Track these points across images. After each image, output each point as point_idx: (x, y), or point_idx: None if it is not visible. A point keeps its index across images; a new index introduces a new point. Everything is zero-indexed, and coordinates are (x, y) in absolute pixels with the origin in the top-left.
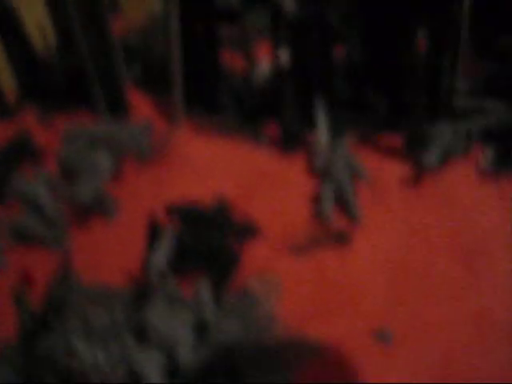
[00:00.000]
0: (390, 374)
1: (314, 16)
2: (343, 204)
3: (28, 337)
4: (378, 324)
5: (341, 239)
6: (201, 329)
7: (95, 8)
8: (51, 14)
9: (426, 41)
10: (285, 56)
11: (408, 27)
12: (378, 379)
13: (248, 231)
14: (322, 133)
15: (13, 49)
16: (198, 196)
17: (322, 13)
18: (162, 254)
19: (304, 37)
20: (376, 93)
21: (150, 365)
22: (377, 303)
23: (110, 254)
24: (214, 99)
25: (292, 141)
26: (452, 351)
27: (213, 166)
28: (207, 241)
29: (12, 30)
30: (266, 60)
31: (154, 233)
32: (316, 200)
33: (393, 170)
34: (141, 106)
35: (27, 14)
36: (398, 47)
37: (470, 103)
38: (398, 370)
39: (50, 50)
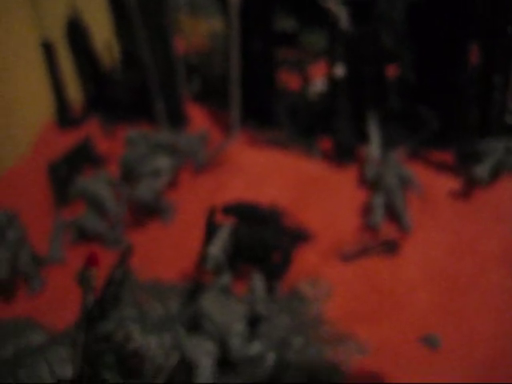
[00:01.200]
0: (435, 378)
1: (368, 34)
2: (393, 214)
3: (90, 318)
4: (425, 329)
5: (390, 248)
6: (253, 321)
7: (160, 30)
8: (118, 35)
9: (479, 59)
10: (340, 71)
11: (460, 46)
12: (424, 381)
13: (300, 236)
14: (374, 146)
15: (82, 65)
16: (251, 201)
17: (376, 31)
18: (219, 248)
19: (359, 54)
20: (428, 109)
21: (202, 352)
22: (424, 310)
23: (166, 252)
24: (270, 114)
25: (344, 153)
26: (497, 360)
27: (266, 174)
28: (261, 240)
29: (82, 47)
30: (319, 79)
31: (212, 228)
32: (366, 210)
33: (443, 184)
34: (199, 118)
35: (96, 34)
36: (451, 66)
37: None
38: (443, 375)
39: (115, 66)
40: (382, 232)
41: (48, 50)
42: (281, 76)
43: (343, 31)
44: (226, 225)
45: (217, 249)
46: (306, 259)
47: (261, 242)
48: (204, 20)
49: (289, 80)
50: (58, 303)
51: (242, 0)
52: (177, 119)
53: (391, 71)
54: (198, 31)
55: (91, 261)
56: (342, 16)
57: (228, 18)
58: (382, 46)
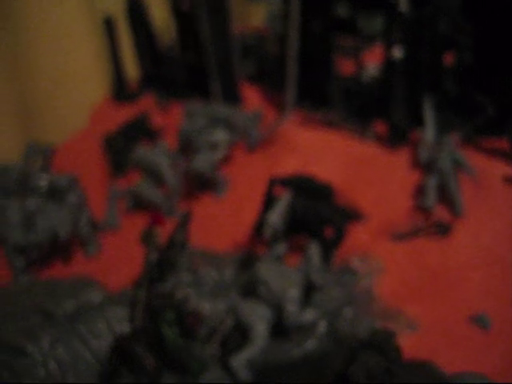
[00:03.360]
0: (484, 358)
1: (427, 17)
2: (446, 197)
3: (151, 278)
4: (476, 310)
5: (442, 230)
6: (307, 289)
7: (220, 11)
8: (175, 12)
9: None
10: (398, 53)
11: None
12: (475, 361)
13: (352, 214)
14: (429, 129)
15: (140, 42)
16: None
17: (434, 14)
18: (278, 216)
19: (416, 37)
20: (484, 95)
21: (257, 316)
22: (475, 291)
23: (220, 223)
24: (324, 96)
25: (398, 136)
26: None
27: (320, 153)
28: (317, 214)
29: (141, 25)
30: (373, 64)
31: (270, 197)
32: (419, 192)
33: (497, 170)
34: (253, 98)
35: (155, 12)
36: (508, 51)
37: None
38: (493, 355)
39: (172, 44)
40: (434, 214)
41: (109, 25)
42: (337, 61)
43: (402, 13)
44: (286, 195)
45: (276, 217)
46: (357, 237)
47: (316, 215)
48: (261, 1)
49: (344, 65)
50: (112, 267)
51: None
52: (232, 98)
53: (448, 56)
54: (255, 12)
55: (156, 221)
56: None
57: (288, 3)
58: (440, 29)
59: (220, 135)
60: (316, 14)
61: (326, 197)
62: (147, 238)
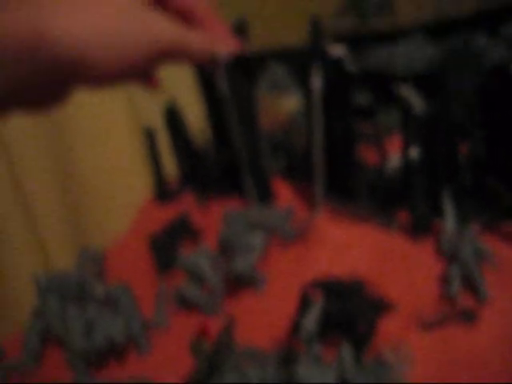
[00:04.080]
0: None
1: (442, 117)
2: (470, 285)
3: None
4: None
5: (468, 317)
6: None
7: (249, 115)
8: (210, 118)
9: None
10: (415, 153)
11: None
12: None
13: (382, 306)
14: (449, 220)
15: (177, 145)
16: (335, 271)
17: (447, 109)
18: (312, 320)
19: (432, 135)
20: (499, 184)
21: None
22: (499, 376)
23: (259, 319)
24: (350, 189)
25: (421, 226)
26: None
27: (348, 246)
28: (347, 312)
29: (177, 130)
30: (396, 154)
31: (305, 302)
32: (444, 281)
33: None
34: (284, 192)
35: (189, 116)
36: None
37: None
38: None
39: (207, 145)
40: (460, 302)
41: (150, 135)
42: (359, 149)
43: (416, 117)
44: (318, 302)
45: (310, 323)
46: (387, 327)
47: (347, 314)
48: (286, 97)
49: (367, 154)
50: (163, 365)
51: (324, 84)
52: (264, 194)
53: (463, 148)
54: (281, 108)
55: (203, 331)
56: (416, 102)
57: (309, 100)
58: (453, 124)
59: (256, 239)
60: (338, 113)
61: (356, 292)
62: (196, 348)
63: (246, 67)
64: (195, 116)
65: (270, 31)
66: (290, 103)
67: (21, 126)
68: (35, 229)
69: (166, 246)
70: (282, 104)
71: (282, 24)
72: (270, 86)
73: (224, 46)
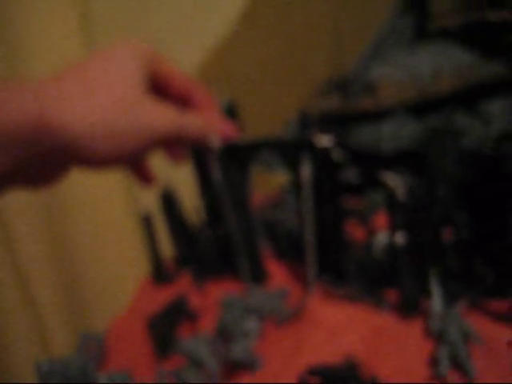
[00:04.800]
0: None
1: (426, 204)
2: (458, 364)
3: None
4: None
5: None
6: None
7: (241, 199)
8: (203, 197)
9: None
10: (401, 239)
11: (509, 209)
12: None
13: None
14: (436, 301)
15: (172, 225)
16: (329, 352)
17: (433, 199)
18: None
19: (416, 220)
20: (483, 265)
21: None
22: None
23: None
24: (340, 270)
25: (410, 307)
26: None
27: (340, 327)
28: None
29: (173, 213)
30: (382, 232)
31: None
32: (433, 360)
33: (501, 334)
34: (278, 273)
35: (183, 197)
36: (502, 226)
37: None
38: None
39: (202, 226)
40: (450, 381)
41: (147, 221)
42: (347, 226)
43: (401, 203)
44: None
45: None
46: None
47: None
48: (275, 173)
49: (354, 231)
50: None
51: (313, 172)
52: (258, 275)
53: (447, 231)
54: (272, 185)
55: None
56: (399, 190)
57: (299, 187)
58: (437, 206)
59: (252, 323)
60: (325, 191)
61: (351, 378)
62: None
63: (238, 155)
64: (190, 196)
65: (260, 114)
66: (280, 179)
67: (20, 210)
68: (36, 313)
69: (164, 329)
70: (272, 179)
71: (271, 104)
72: (260, 164)
73: (219, 130)
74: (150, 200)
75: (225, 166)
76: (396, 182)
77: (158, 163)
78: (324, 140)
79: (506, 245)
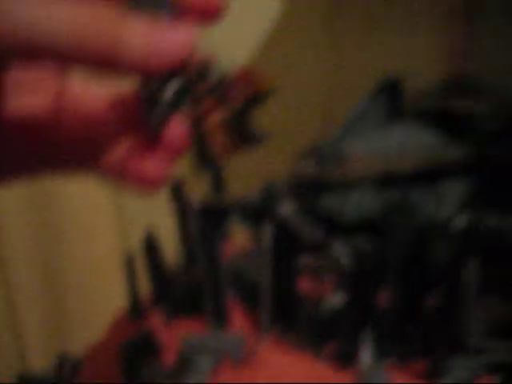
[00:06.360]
0: None
1: (369, 270)
2: None
3: None
4: None
5: None
6: None
7: (211, 246)
8: (182, 244)
9: (442, 295)
10: (338, 299)
11: (430, 282)
12: None
13: None
14: (366, 357)
15: (151, 267)
16: None
17: (378, 267)
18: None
19: (357, 284)
20: (411, 329)
21: None
22: None
23: None
24: (291, 319)
25: (346, 359)
26: None
27: (285, 371)
28: None
29: (152, 252)
30: (334, 292)
31: None
32: None
33: None
34: (238, 319)
35: (166, 242)
36: (423, 297)
37: (481, 341)
38: None
39: (178, 268)
40: None
41: (129, 261)
42: (302, 281)
43: (345, 272)
44: None
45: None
46: None
47: None
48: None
49: (308, 286)
50: None
51: (273, 238)
52: (220, 319)
53: (382, 298)
54: (248, 236)
55: None
56: (344, 258)
57: (260, 249)
58: (376, 279)
59: (207, 362)
60: (283, 265)
61: None
62: None
63: (213, 215)
64: (172, 241)
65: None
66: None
67: (16, 242)
68: (17, 333)
69: (131, 361)
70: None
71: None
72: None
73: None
74: (137, 238)
75: (200, 221)
76: (342, 252)
77: (143, 207)
78: (285, 208)
79: (428, 310)
